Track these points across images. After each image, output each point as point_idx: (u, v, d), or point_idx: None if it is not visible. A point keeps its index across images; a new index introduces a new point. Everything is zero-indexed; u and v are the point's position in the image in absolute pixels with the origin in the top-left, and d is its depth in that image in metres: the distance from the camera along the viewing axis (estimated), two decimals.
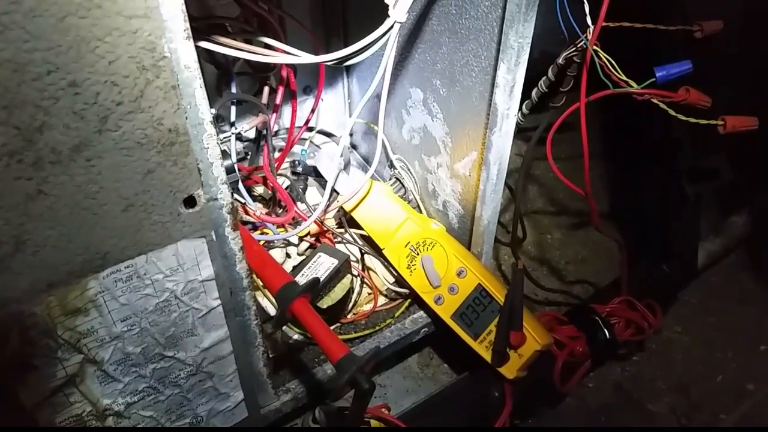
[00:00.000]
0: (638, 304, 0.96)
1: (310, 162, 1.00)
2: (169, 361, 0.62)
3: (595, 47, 0.66)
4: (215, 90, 0.88)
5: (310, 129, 1.04)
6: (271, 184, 0.89)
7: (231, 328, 0.64)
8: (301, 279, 0.80)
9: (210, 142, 0.52)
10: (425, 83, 0.82)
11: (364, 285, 0.92)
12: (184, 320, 0.60)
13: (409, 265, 0.85)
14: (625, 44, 0.70)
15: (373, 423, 0.76)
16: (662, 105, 0.68)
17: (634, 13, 0.70)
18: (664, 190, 1.07)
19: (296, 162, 1.02)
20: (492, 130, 0.71)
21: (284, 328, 0.81)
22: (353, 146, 1.16)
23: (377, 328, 0.88)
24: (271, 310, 0.81)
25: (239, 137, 0.92)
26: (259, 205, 0.94)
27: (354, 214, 0.89)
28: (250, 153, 0.97)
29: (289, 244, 0.92)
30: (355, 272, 0.89)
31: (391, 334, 0.87)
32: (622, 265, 0.96)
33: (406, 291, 0.90)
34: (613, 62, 0.67)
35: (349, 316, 0.89)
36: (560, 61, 0.73)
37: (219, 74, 0.87)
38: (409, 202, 0.94)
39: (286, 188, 0.95)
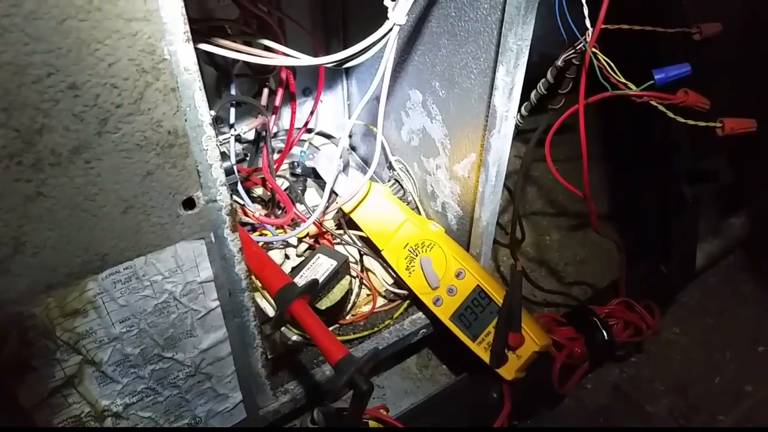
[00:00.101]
0: (637, 305, 0.96)
1: (309, 163, 1.00)
2: (168, 362, 0.62)
3: (593, 49, 0.66)
4: (215, 92, 0.88)
5: (309, 130, 1.04)
6: (270, 186, 0.89)
7: (230, 330, 0.64)
8: (300, 280, 0.80)
9: (209, 144, 0.52)
10: (424, 85, 0.82)
11: (363, 286, 0.92)
12: (183, 321, 0.60)
13: (407, 266, 0.85)
14: (624, 46, 0.70)
15: (372, 424, 0.76)
16: (661, 107, 0.68)
17: (633, 16, 0.70)
18: (662, 191, 1.07)
19: (295, 163, 1.02)
20: (491, 132, 0.71)
21: (283, 329, 0.81)
22: (352, 148, 1.16)
23: (376, 329, 0.88)
24: (270, 312, 0.81)
25: (238, 139, 0.92)
26: (258, 207, 0.94)
27: (353, 216, 0.89)
28: (249, 154, 0.97)
29: (288, 245, 0.92)
30: (353, 273, 0.89)
31: (389, 335, 0.87)
32: (620, 267, 0.96)
33: (405, 292, 0.90)
34: (612, 64, 0.67)
35: (347, 318, 0.89)
36: (559, 63, 0.73)
37: (218, 76, 0.87)
38: (408, 203, 0.94)
39: (285, 190, 0.95)
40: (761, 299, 1.16)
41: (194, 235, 0.55)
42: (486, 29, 0.66)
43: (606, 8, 0.62)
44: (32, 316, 0.49)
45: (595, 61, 0.67)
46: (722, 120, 0.68)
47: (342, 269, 0.83)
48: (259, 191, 0.98)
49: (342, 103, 1.11)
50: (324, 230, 0.92)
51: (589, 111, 0.70)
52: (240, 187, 0.87)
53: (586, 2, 0.63)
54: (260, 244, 0.82)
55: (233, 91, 0.86)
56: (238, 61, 0.69)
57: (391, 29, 0.62)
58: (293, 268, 0.85)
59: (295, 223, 0.90)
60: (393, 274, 0.89)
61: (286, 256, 0.92)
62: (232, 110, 0.88)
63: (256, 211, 0.91)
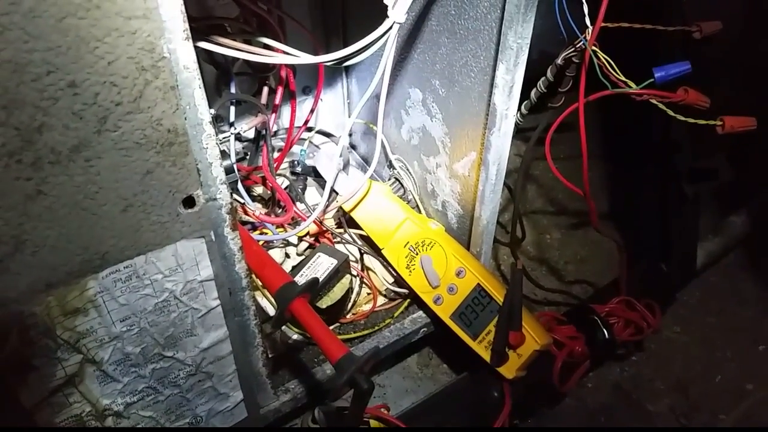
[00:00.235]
0: (637, 304, 0.96)
1: (309, 162, 1.00)
2: (169, 361, 0.62)
3: (593, 48, 0.66)
4: (214, 90, 0.88)
5: (309, 129, 1.04)
6: (270, 184, 0.89)
7: (230, 328, 0.64)
8: (301, 279, 0.80)
9: (209, 143, 0.52)
10: (424, 83, 0.82)
11: (364, 285, 0.92)
12: (184, 320, 0.60)
13: (408, 265, 0.85)
14: (624, 45, 0.70)
15: (373, 423, 0.76)
16: (661, 105, 0.68)
17: (633, 14, 0.70)
18: (663, 190, 1.07)
19: (295, 162, 1.02)
20: (491, 131, 0.71)
21: (283, 328, 0.81)
22: (352, 146, 1.16)
23: (376, 328, 0.88)
24: (271, 310, 0.81)
25: (238, 137, 0.92)
26: (259, 205, 0.94)
27: (353, 215, 0.89)
28: (249, 153, 0.97)
29: (288, 244, 0.92)
30: (354, 272, 0.89)
31: (390, 334, 0.87)
32: (621, 265, 0.96)
33: (405, 291, 0.90)
34: (612, 63, 0.67)
35: (348, 316, 0.89)
36: (559, 61, 0.73)
37: (218, 74, 0.87)
38: (408, 202, 0.94)
39: (286, 188, 0.95)
40: (762, 298, 1.16)
41: (194, 233, 0.55)
42: (486, 27, 0.66)
43: (606, 6, 0.62)
44: (33, 315, 0.49)
45: (595, 60, 0.67)
46: (722, 118, 0.68)
47: (342, 268, 0.83)
48: (259, 190, 0.98)
49: (342, 101, 1.11)
50: (324, 229, 0.92)
51: (589, 109, 0.70)
52: (240, 186, 0.87)
53: (586, 0, 0.63)
54: (260, 242, 0.82)
55: (233, 90, 0.86)
56: (237, 59, 0.69)
57: (390, 27, 0.62)
58: (293, 267, 0.85)
59: (295, 222, 0.90)
60: (393, 272, 0.89)
61: (287, 255, 0.92)
62: (232, 109, 0.88)
63: (257, 209, 0.91)
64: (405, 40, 0.82)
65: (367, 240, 0.92)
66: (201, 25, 0.71)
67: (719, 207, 1.26)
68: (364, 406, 0.60)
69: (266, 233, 0.89)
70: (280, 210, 0.94)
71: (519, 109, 0.75)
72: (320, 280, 0.79)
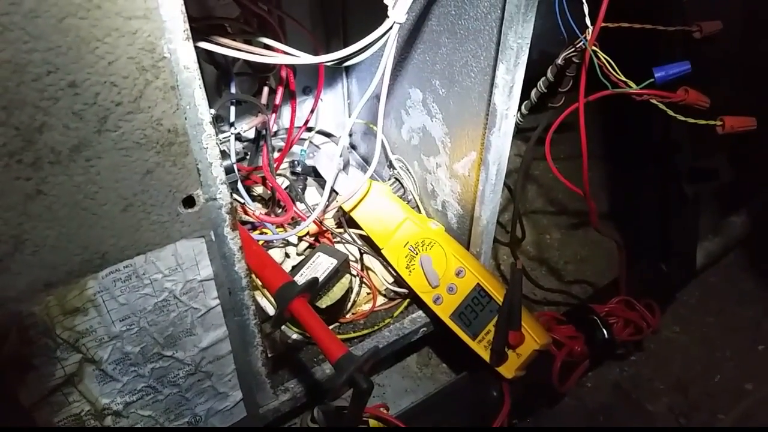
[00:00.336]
0: (637, 304, 0.96)
1: (309, 162, 1.00)
2: (168, 361, 0.62)
3: (594, 48, 0.66)
4: (215, 90, 0.88)
5: (310, 129, 1.04)
6: (270, 184, 0.89)
7: (230, 328, 0.64)
8: (300, 279, 0.80)
9: (209, 143, 0.52)
10: (424, 83, 0.82)
11: (363, 285, 0.92)
12: (183, 320, 0.60)
13: (408, 264, 0.85)
14: (624, 45, 0.70)
15: (372, 422, 0.76)
16: (661, 105, 0.68)
17: (633, 14, 0.70)
18: (663, 190, 1.07)
19: (295, 162, 1.02)
20: (491, 131, 0.71)
21: (283, 327, 0.81)
22: (352, 146, 1.16)
23: (376, 327, 0.88)
24: (270, 310, 0.81)
25: (238, 137, 0.92)
26: (259, 205, 0.94)
27: (353, 214, 0.89)
28: (249, 153, 0.97)
29: (288, 243, 0.92)
30: (354, 272, 0.89)
31: (389, 333, 0.87)
32: (620, 265, 0.96)
33: (405, 291, 0.90)
34: (612, 63, 0.67)
35: (347, 316, 0.89)
36: (559, 61, 0.73)
37: (218, 74, 0.87)
38: (408, 202, 0.94)
39: (286, 188, 0.95)
40: (761, 298, 1.16)
41: (194, 233, 0.55)
42: (486, 27, 0.66)
43: (606, 6, 0.62)
44: (32, 315, 0.49)
45: (595, 60, 0.67)
46: (722, 118, 0.68)
47: (342, 268, 0.83)
48: (259, 190, 0.98)
49: (342, 101, 1.11)
50: (324, 229, 0.92)
51: (589, 109, 0.70)
52: (240, 186, 0.87)
53: (586, 0, 0.63)
54: (260, 242, 0.82)
55: (233, 90, 0.86)
56: (238, 59, 0.69)
57: (391, 27, 0.62)
58: (293, 267, 0.85)
59: (295, 222, 0.90)
60: (393, 272, 0.89)
61: (287, 255, 0.92)
62: (232, 109, 0.88)
63: (257, 209, 0.91)
64: (405, 40, 0.82)
65: (366, 240, 0.92)
66: (201, 26, 0.71)
67: (719, 207, 1.26)
68: (364, 405, 0.60)
69: (266, 233, 0.89)
70: (280, 210, 0.94)
71: (519, 109, 0.76)
72: (320, 279, 0.79)
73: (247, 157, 0.97)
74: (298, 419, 0.81)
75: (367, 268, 0.92)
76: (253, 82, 0.92)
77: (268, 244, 0.90)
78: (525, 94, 0.72)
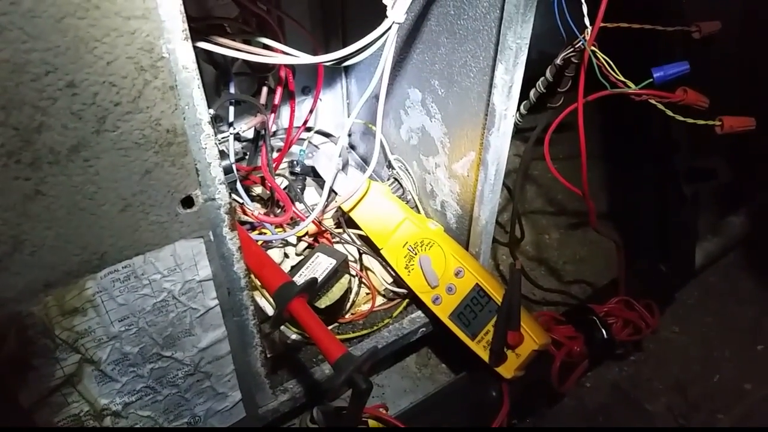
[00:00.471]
0: (636, 304, 0.96)
1: (308, 162, 1.00)
2: (167, 361, 0.62)
3: (592, 48, 0.66)
4: (214, 90, 0.88)
5: (309, 129, 1.04)
6: (270, 184, 0.89)
7: (229, 328, 0.64)
8: (299, 279, 0.80)
9: (208, 143, 0.52)
10: (423, 84, 0.82)
11: (362, 285, 0.92)
12: (182, 320, 0.60)
13: (407, 265, 0.85)
14: (623, 45, 0.70)
15: (371, 423, 0.76)
16: (660, 105, 0.68)
17: (632, 14, 0.70)
18: (661, 190, 1.07)
19: (294, 162, 1.02)
20: (490, 131, 0.71)
21: (282, 328, 0.81)
22: (351, 146, 1.16)
23: (375, 328, 0.88)
24: (269, 310, 0.81)
25: (237, 137, 0.92)
26: (258, 205, 0.94)
27: (352, 215, 0.89)
28: (248, 153, 0.97)
29: (287, 244, 0.92)
30: (353, 272, 0.89)
31: (389, 334, 0.87)
32: (619, 265, 0.96)
33: (404, 291, 0.90)
34: (611, 63, 0.67)
35: (347, 316, 0.89)
36: (558, 61, 0.73)
37: (217, 74, 0.87)
38: (407, 202, 0.94)
39: (285, 188, 0.95)
40: (760, 298, 1.16)
41: (193, 233, 0.55)
42: (485, 27, 0.66)
43: (605, 6, 0.62)
44: (31, 315, 0.49)
45: (594, 60, 0.67)
46: (721, 118, 0.68)
47: (341, 268, 0.83)
48: (258, 190, 0.98)
49: (341, 101, 1.11)
50: (323, 229, 0.92)
51: (588, 109, 0.70)
52: (239, 186, 0.87)
53: (585, 1, 0.63)
54: (259, 242, 0.82)
55: (232, 90, 0.86)
56: (237, 59, 0.69)
57: (390, 28, 0.62)
58: (292, 267, 0.85)
59: (294, 222, 0.90)
60: (392, 272, 0.89)
61: (285, 255, 0.92)
62: (231, 109, 0.88)
63: (255, 209, 0.91)
64: (404, 41, 0.82)
65: (366, 240, 0.92)
66: (200, 25, 0.71)
67: (718, 207, 1.27)
68: (363, 405, 0.60)
69: (265, 233, 0.89)
70: (279, 210, 0.94)
71: (518, 109, 0.76)
72: (319, 280, 0.79)
73: (246, 157, 0.97)
74: (298, 419, 0.81)
75: (366, 269, 0.92)
76: (252, 82, 0.92)
77: (267, 245, 0.90)
78: (524, 94, 0.72)
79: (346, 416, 0.64)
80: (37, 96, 0.41)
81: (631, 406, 0.99)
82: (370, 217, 0.88)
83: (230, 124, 0.88)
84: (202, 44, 0.59)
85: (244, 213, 0.87)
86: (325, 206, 0.90)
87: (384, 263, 0.90)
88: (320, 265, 0.82)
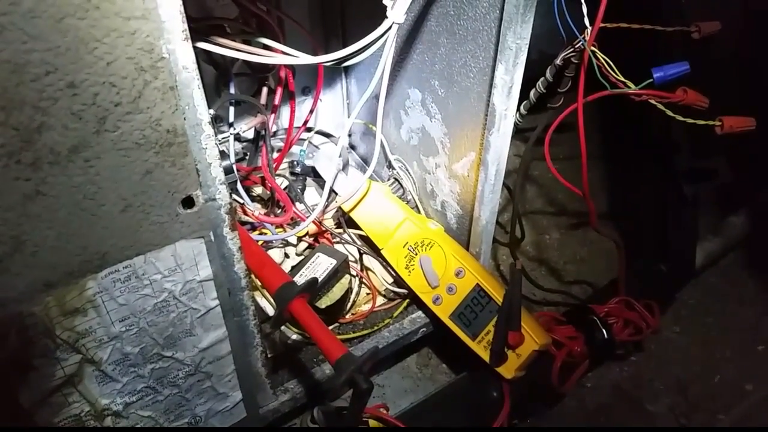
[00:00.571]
0: (636, 304, 0.96)
1: (308, 162, 1.00)
2: (168, 361, 0.62)
3: (592, 48, 0.66)
4: (214, 90, 0.88)
5: (309, 129, 1.04)
6: (270, 185, 0.89)
7: (229, 328, 0.64)
8: (300, 279, 0.80)
9: (208, 143, 0.52)
10: (423, 84, 0.82)
11: (363, 285, 0.92)
12: (183, 320, 0.60)
13: (407, 265, 0.85)
14: (623, 45, 0.70)
15: (372, 423, 0.76)
16: (660, 106, 0.68)
17: (632, 14, 0.70)
18: (662, 190, 1.07)
19: (295, 162, 1.02)
20: (490, 131, 0.71)
21: (283, 328, 0.81)
22: (352, 147, 1.16)
23: (375, 328, 0.88)
24: (270, 310, 0.81)
25: (238, 138, 0.92)
26: (258, 206, 0.94)
27: (352, 215, 0.89)
28: (248, 153, 0.97)
29: (287, 244, 0.92)
30: (353, 272, 0.89)
31: (389, 334, 0.87)
32: (620, 265, 0.96)
33: (405, 291, 0.90)
34: (611, 63, 0.67)
35: (347, 316, 0.89)
36: (558, 61, 0.73)
37: (218, 75, 0.87)
38: (408, 202, 0.95)
39: (285, 188, 0.95)
40: (761, 298, 1.16)
41: (193, 233, 0.55)
42: (485, 28, 0.66)
43: (605, 7, 0.62)
44: (32, 315, 0.49)
45: (594, 60, 0.67)
46: (721, 118, 0.68)
47: (341, 268, 0.83)
48: (258, 190, 0.98)
49: (341, 101, 1.11)
50: (323, 229, 0.92)
51: (588, 110, 0.70)
52: (239, 186, 0.87)
53: (585, 1, 0.63)
54: (260, 242, 0.82)
55: (232, 90, 0.86)
56: (237, 59, 0.69)
57: (389, 28, 0.62)
58: (293, 267, 0.85)
59: (294, 222, 0.90)
60: (393, 272, 0.89)
61: (286, 255, 0.92)
62: (232, 109, 0.88)
63: (256, 210, 0.91)
64: (404, 41, 0.82)
65: (366, 240, 0.92)
66: (200, 26, 0.71)
67: (719, 207, 1.26)
68: (363, 405, 0.60)
69: (265, 233, 0.89)
70: (280, 210, 0.94)
71: (518, 109, 0.76)
72: (319, 280, 0.79)
73: (247, 157, 0.97)
74: (298, 420, 0.81)
75: (367, 269, 0.92)
76: (252, 83, 0.92)
77: (268, 245, 0.90)
78: (524, 95, 0.72)
79: (347, 416, 0.64)
80: (37, 96, 0.41)
81: (632, 406, 0.99)
82: (371, 217, 0.88)
83: (230, 125, 0.88)
84: (202, 44, 0.59)
85: (245, 213, 0.87)
86: (326, 206, 0.90)
87: (384, 263, 0.90)
88: (321, 265, 0.82)
